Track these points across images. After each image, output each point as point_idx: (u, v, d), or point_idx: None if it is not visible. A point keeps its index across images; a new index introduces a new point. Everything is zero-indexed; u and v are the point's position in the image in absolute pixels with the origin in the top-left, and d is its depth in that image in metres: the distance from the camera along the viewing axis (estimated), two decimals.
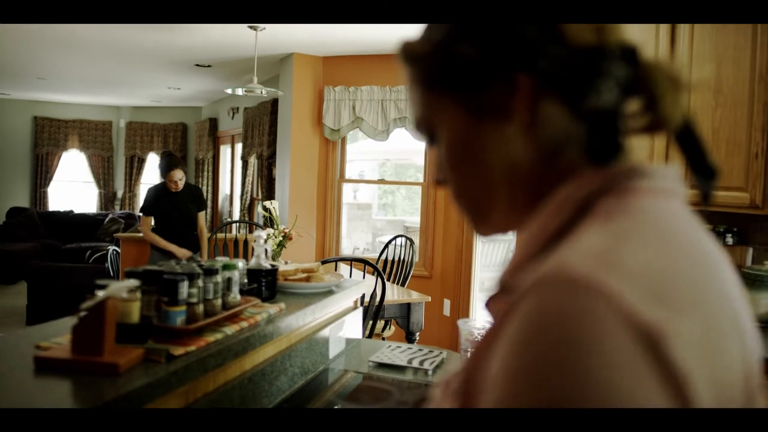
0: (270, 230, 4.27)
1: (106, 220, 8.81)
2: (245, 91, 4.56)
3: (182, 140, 10.18)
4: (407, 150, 7.84)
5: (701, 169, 0.56)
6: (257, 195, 7.22)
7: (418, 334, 3.99)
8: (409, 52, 0.64)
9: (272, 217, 4.46)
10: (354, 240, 8.64)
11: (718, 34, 2.48)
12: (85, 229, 8.78)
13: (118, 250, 5.39)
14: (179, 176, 4.57)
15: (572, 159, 0.56)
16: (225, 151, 9.00)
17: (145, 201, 4.66)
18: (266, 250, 1.72)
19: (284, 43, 5.15)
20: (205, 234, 4.88)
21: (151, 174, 10.28)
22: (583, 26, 0.54)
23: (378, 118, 5.35)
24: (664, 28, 2.65)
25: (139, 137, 10.14)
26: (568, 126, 0.55)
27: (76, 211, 9.35)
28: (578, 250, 0.46)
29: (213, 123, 9.10)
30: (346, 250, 6.07)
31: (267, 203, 4.41)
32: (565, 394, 0.39)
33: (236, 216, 7.61)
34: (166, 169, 4.56)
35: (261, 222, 6.27)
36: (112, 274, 4.99)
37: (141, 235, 5.91)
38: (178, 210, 4.68)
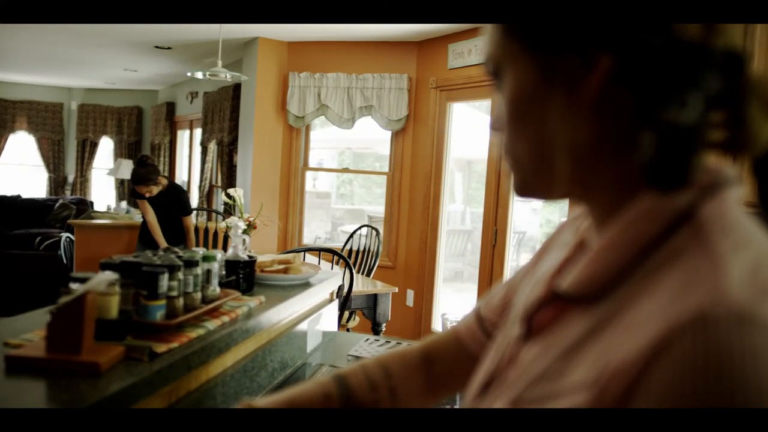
0: (234, 218, 4.16)
1: (57, 205, 8.47)
2: (209, 75, 4.42)
3: (137, 124, 9.87)
4: (368, 139, 7.78)
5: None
6: (216, 182, 7.06)
7: (384, 325, 3.96)
8: None
9: (236, 206, 4.36)
10: (313, 229, 8.55)
11: None
12: (34, 214, 8.43)
13: (72, 238, 5.19)
14: (144, 190, 4.40)
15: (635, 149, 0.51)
16: (183, 136, 8.77)
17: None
18: (245, 240, 1.65)
19: (249, 27, 5.02)
20: (192, 234, 4.73)
21: (104, 159, 9.95)
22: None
23: (344, 106, 5.28)
24: None
25: (92, 120, 9.78)
26: (636, 125, 0.50)
27: (24, 195, 8.97)
28: (729, 277, 0.42)
29: (170, 107, 8.85)
30: (307, 239, 5.99)
31: (231, 191, 4.30)
32: None
33: (194, 203, 7.43)
34: (133, 182, 4.40)
35: (222, 210, 6.14)
36: (65, 262, 4.80)
37: (95, 222, 5.70)
38: (160, 215, 4.54)
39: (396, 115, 5.15)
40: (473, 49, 4.54)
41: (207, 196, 7.27)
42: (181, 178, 8.80)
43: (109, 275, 1.07)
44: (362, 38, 5.17)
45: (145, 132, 9.90)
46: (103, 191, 9.92)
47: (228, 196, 4.34)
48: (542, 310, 0.57)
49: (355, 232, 5.02)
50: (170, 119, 8.83)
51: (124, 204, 7.80)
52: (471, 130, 5.42)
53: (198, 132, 7.71)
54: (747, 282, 0.42)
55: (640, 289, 0.47)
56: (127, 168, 8.81)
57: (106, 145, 9.95)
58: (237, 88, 6.02)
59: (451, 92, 4.86)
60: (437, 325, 4.96)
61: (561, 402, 0.47)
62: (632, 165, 0.51)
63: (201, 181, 7.25)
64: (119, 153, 9.77)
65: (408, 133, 5.21)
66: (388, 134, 5.36)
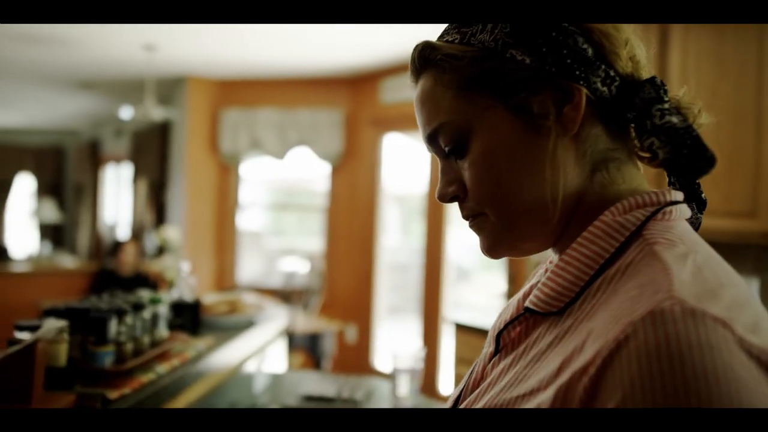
0: (168, 259, 4.07)
1: None
2: (139, 114, 4.35)
3: (58, 164, 9.49)
4: (300, 176, 7.77)
5: (698, 201, 0.60)
6: (147, 222, 6.86)
7: (327, 361, 3.93)
8: (443, 53, 0.58)
9: (169, 246, 4.26)
10: (248, 267, 8.40)
11: (720, 41, 2.18)
12: None
13: None
14: None
15: (606, 179, 0.57)
16: (108, 176, 8.49)
17: None
18: (190, 283, 1.63)
19: (178, 64, 4.97)
20: None
21: (22, 200, 9.49)
22: (625, 56, 0.56)
23: (276, 141, 5.27)
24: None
25: (5, 161, 9.30)
26: (608, 145, 0.57)
27: None
28: (675, 281, 0.46)
29: (95, 146, 8.57)
30: (243, 277, 5.88)
31: (164, 231, 4.21)
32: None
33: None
34: None
35: (152, 251, 5.97)
36: None
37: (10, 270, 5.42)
38: None
39: (332, 150, 5.18)
40: (406, 84, 4.65)
41: (137, 237, 7.05)
42: (107, 219, 8.50)
43: (58, 323, 1.04)
44: (293, 75, 5.21)
45: (67, 173, 9.54)
46: (22, 235, 9.43)
47: (160, 236, 4.24)
48: (511, 327, 0.60)
49: (293, 269, 4.98)
50: (94, 159, 8.55)
51: (47, 248, 7.45)
52: (406, 163, 5.52)
53: (125, 171, 7.50)
54: (691, 284, 0.46)
55: (599, 301, 0.51)
56: (50, 209, 8.44)
57: (24, 187, 9.49)
58: (166, 126, 5.92)
59: (385, 127, 4.94)
60: (379, 359, 4.95)
61: (525, 403, 0.50)
62: (597, 182, 0.57)
63: (134, 221, 7.03)
64: (41, 194, 9.34)
65: (345, 168, 5.25)
66: (319, 170, 5.38)
